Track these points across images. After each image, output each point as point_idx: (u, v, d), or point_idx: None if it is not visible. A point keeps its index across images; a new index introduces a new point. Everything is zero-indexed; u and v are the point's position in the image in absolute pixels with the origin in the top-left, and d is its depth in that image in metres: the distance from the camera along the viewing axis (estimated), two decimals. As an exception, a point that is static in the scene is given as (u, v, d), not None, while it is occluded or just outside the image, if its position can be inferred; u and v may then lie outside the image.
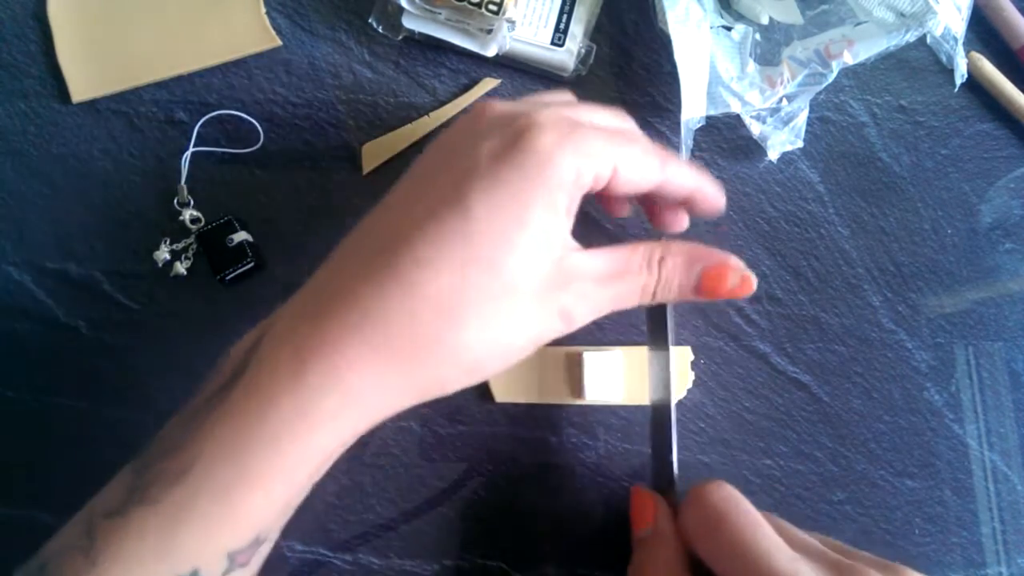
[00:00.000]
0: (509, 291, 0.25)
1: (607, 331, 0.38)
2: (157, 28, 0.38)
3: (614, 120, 0.30)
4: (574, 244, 0.27)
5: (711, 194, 0.30)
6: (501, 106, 0.28)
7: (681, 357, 0.37)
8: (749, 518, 0.27)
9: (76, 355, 0.37)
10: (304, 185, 0.38)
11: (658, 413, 0.33)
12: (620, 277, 0.27)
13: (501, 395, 0.37)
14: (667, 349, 0.33)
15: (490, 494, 0.37)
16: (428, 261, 0.24)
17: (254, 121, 0.38)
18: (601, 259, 0.27)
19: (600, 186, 0.27)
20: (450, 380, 0.26)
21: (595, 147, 0.26)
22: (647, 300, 0.29)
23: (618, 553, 0.36)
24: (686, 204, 0.31)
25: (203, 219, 0.37)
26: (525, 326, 0.26)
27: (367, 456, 0.36)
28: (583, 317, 0.27)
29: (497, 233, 0.24)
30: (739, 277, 0.29)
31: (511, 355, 0.26)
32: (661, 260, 0.28)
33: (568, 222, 0.26)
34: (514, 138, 0.25)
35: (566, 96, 0.32)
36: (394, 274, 0.24)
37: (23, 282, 0.37)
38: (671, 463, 0.32)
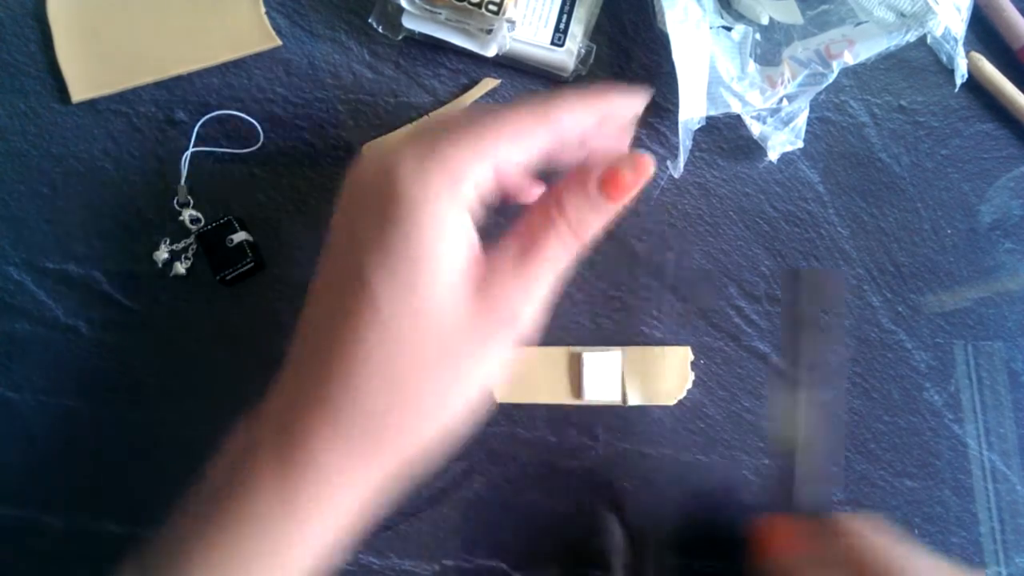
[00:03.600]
0: (444, 348, 0.24)
1: (607, 331, 0.38)
2: (157, 28, 0.38)
3: (473, 113, 0.27)
4: (479, 253, 0.25)
5: (623, 105, 0.27)
6: (363, 166, 0.26)
7: (681, 357, 0.37)
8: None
9: (76, 355, 0.37)
10: (304, 185, 0.38)
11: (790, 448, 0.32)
12: (535, 252, 0.25)
13: (501, 395, 0.37)
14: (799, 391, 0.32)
15: (490, 494, 0.37)
16: (360, 362, 0.24)
17: (254, 121, 0.38)
18: (508, 248, 0.25)
19: (494, 185, 0.25)
20: (431, 446, 0.26)
21: (456, 152, 0.24)
22: (576, 251, 0.26)
23: (619, 553, 0.36)
24: (601, 134, 0.27)
25: (203, 219, 0.37)
26: (478, 366, 0.25)
27: (367, 456, 0.36)
28: (529, 315, 0.25)
29: (408, 304, 0.23)
30: (632, 166, 0.26)
31: (479, 393, 0.26)
32: (558, 204, 0.26)
33: (468, 238, 0.25)
34: (378, 196, 0.24)
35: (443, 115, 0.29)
36: (341, 382, 0.24)
37: (23, 282, 0.37)
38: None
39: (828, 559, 0.30)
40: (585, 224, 0.26)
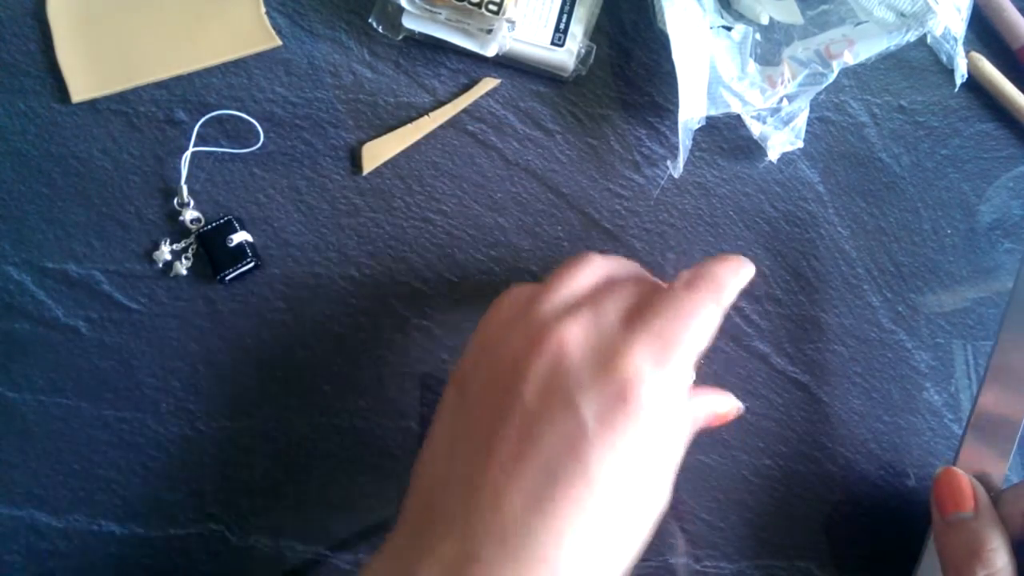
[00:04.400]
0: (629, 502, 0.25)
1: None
2: (157, 28, 0.38)
3: (651, 285, 0.30)
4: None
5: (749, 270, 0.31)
6: (584, 326, 0.27)
7: None
8: None
9: (76, 355, 0.37)
10: (304, 185, 0.38)
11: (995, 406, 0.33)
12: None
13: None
14: None
15: (490, 494, 0.37)
16: (574, 546, 0.24)
17: (254, 121, 0.38)
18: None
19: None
20: None
21: (687, 359, 0.26)
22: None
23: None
24: None
25: (203, 219, 0.37)
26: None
27: (367, 456, 0.36)
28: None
29: (629, 497, 0.25)
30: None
31: None
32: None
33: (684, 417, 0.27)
34: (616, 399, 0.25)
35: (608, 266, 0.30)
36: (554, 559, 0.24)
37: (23, 282, 0.37)
38: (1009, 454, 0.32)
39: (987, 517, 0.31)
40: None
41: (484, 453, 0.25)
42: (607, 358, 0.25)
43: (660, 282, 0.31)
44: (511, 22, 0.36)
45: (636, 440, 0.25)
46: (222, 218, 0.37)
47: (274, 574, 0.35)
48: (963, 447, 0.33)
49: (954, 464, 0.33)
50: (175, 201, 0.37)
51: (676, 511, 0.37)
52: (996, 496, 0.32)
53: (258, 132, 0.38)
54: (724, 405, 0.31)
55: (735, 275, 0.29)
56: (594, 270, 0.30)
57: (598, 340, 0.26)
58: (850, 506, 0.37)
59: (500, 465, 0.25)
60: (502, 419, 0.26)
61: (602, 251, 0.33)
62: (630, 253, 0.38)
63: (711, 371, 0.38)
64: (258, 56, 0.38)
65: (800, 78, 0.36)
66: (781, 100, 0.36)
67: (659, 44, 0.39)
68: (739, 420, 0.37)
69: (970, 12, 0.35)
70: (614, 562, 0.25)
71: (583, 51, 0.38)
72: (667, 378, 0.25)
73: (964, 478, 0.32)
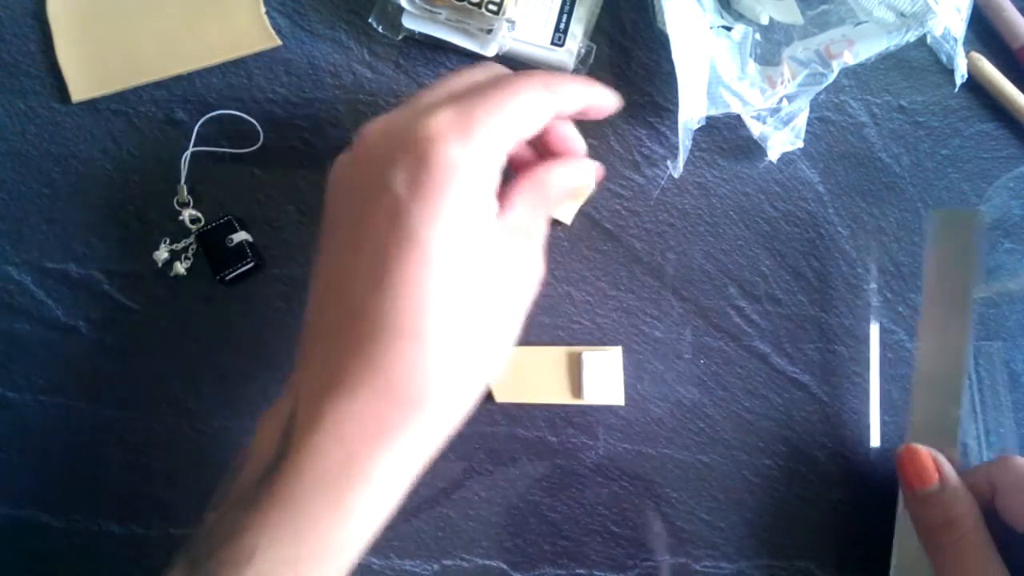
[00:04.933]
0: (490, 281, 0.26)
1: (607, 331, 0.38)
2: (157, 28, 0.38)
3: (491, 76, 0.30)
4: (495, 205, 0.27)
5: (602, 98, 0.31)
6: (382, 125, 0.28)
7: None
8: None
9: (76, 355, 0.37)
10: (304, 185, 0.38)
11: (932, 371, 0.34)
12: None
13: (501, 395, 0.37)
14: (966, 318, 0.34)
15: (490, 494, 0.37)
16: (419, 308, 0.25)
17: (254, 121, 0.38)
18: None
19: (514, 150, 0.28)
20: (471, 386, 0.27)
21: (495, 128, 0.26)
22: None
23: (618, 553, 0.36)
24: (581, 115, 0.31)
25: (203, 219, 0.37)
26: (519, 287, 0.28)
27: (367, 456, 0.36)
28: (538, 229, 0.29)
29: (456, 249, 0.25)
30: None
31: (521, 317, 0.28)
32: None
33: (494, 192, 0.27)
34: (419, 162, 0.25)
35: (444, 84, 0.30)
36: (379, 343, 0.25)
37: (23, 282, 0.37)
38: (956, 421, 0.33)
39: (954, 487, 0.32)
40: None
41: (340, 265, 0.27)
42: (408, 129, 0.26)
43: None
44: (511, 22, 0.36)
45: (455, 200, 0.25)
46: (222, 218, 0.37)
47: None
48: (911, 428, 0.35)
49: (907, 440, 0.34)
50: (175, 201, 0.37)
51: (663, 510, 0.37)
52: (960, 468, 0.33)
53: (258, 132, 0.38)
54: (573, 176, 0.30)
55: (583, 83, 0.30)
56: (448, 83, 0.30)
57: (407, 119, 0.26)
58: (850, 506, 0.37)
59: (343, 266, 0.26)
60: (324, 213, 0.28)
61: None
62: (630, 253, 0.38)
63: (712, 370, 0.38)
64: (258, 56, 0.38)
65: (800, 78, 0.36)
66: (781, 100, 0.36)
67: (659, 44, 0.39)
68: (739, 420, 0.37)
69: (970, 12, 0.35)
70: (488, 325, 0.26)
71: (583, 51, 0.38)
72: (471, 145, 0.25)
73: (925, 452, 0.33)
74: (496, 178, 0.27)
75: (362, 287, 0.25)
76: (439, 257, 0.25)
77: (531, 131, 0.27)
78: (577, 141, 0.32)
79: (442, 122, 0.25)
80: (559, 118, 0.30)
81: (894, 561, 0.35)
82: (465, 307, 0.25)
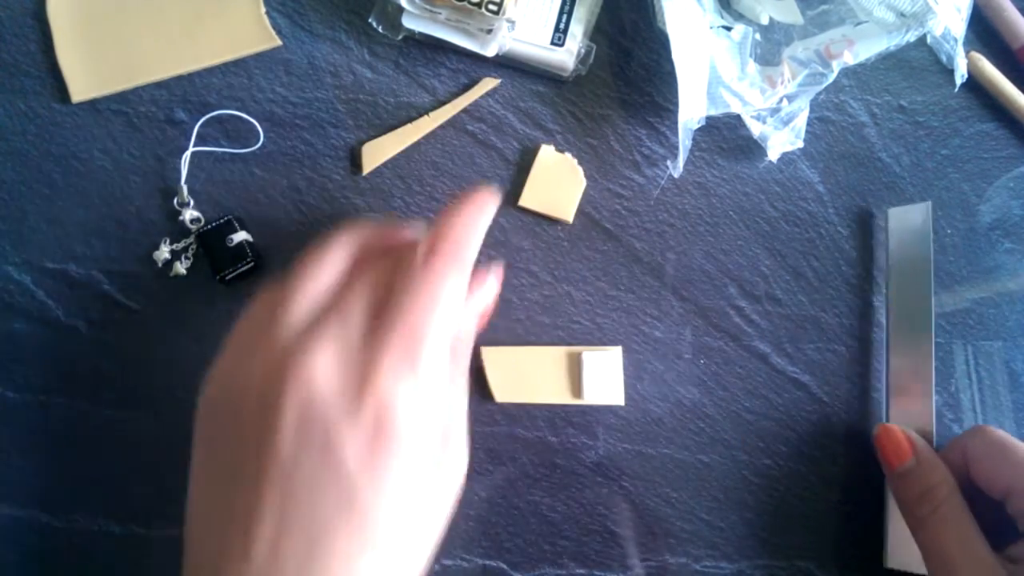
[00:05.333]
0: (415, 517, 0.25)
1: (607, 331, 0.38)
2: (157, 28, 0.38)
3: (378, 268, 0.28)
4: None
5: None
6: (322, 373, 0.24)
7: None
8: None
9: (76, 355, 0.37)
10: (304, 185, 0.38)
11: (904, 359, 0.36)
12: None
13: (501, 395, 0.37)
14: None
15: (490, 494, 0.37)
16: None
17: (254, 121, 0.38)
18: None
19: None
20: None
21: (439, 349, 0.25)
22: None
23: (618, 553, 0.36)
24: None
25: (203, 219, 0.37)
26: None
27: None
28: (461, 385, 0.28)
29: (412, 525, 0.25)
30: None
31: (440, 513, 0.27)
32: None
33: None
34: (377, 428, 0.24)
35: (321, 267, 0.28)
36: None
37: (23, 282, 0.37)
38: (931, 403, 0.35)
39: (928, 460, 0.33)
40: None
41: (244, 524, 0.23)
42: (358, 383, 0.24)
43: (407, 239, 0.30)
44: (511, 22, 0.36)
45: (406, 467, 0.24)
46: (222, 218, 0.37)
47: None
48: (891, 407, 0.36)
49: (886, 419, 0.36)
50: (175, 201, 0.37)
51: (616, 502, 0.37)
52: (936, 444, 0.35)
53: (258, 132, 0.38)
54: (484, 297, 0.30)
55: (475, 227, 0.28)
56: (335, 259, 0.28)
57: (347, 361, 0.24)
58: (850, 506, 0.37)
59: (264, 539, 0.23)
60: (259, 478, 0.24)
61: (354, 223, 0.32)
62: (630, 253, 0.38)
63: (712, 370, 0.38)
64: (258, 56, 0.38)
65: (800, 78, 0.36)
66: (781, 100, 0.36)
67: (659, 44, 0.39)
68: (739, 420, 0.37)
69: (970, 12, 0.35)
70: None
71: (583, 51, 0.38)
72: (422, 380, 0.25)
73: (898, 431, 0.34)
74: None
75: (292, 565, 0.23)
76: (383, 525, 0.24)
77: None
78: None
79: (393, 378, 0.24)
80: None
81: (888, 542, 0.35)
82: (403, 532, 0.25)
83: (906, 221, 0.37)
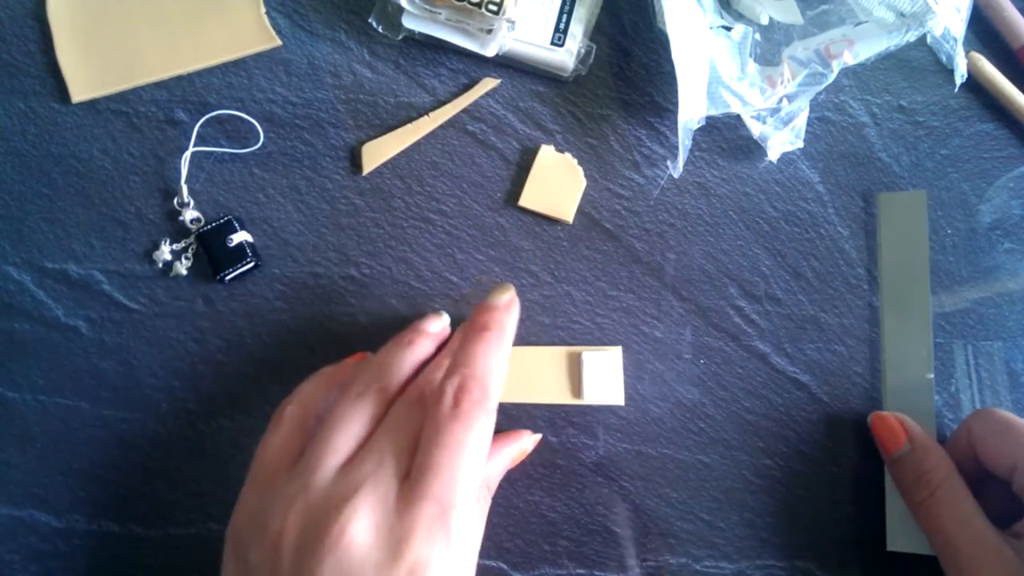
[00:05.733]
0: None
1: (607, 331, 0.38)
2: (157, 28, 0.38)
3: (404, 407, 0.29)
4: None
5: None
6: (359, 532, 0.25)
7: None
8: None
9: (76, 355, 0.37)
10: (304, 185, 0.38)
11: (900, 348, 0.37)
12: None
13: (501, 395, 0.37)
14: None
15: (490, 494, 0.37)
16: None
17: (254, 121, 0.38)
18: None
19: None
20: None
21: (472, 509, 0.27)
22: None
23: (618, 553, 0.36)
24: None
25: (203, 219, 0.37)
26: None
27: (367, 456, 0.36)
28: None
29: None
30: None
31: None
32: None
33: None
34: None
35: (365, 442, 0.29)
36: None
37: (23, 282, 0.37)
38: (930, 391, 0.36)
39: (923, 444, 0.34)
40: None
41: None
42: (394, 548, 0.25)
43: (430, 382, 0.30)
44: (511, 22, 0.36)
45: None
46: (222, 218, 0.37)
47: (274, 574, 0.35)
48: (885, 403, 0.37)
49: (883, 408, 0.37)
50: (175, 201, 0.37)
51: (616, 502, 0.37)
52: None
53: (258, 132, 0.38)
54: (516, 451, 0.34)
55: (496, 354, 0.29)
56: (366, 402, 0.29)
57: (383, 524, 0.25)
58: (850, 506, 0.37)
59: None
60: None
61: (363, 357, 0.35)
62: (630, 253, 0.38)
63: (712, 370, 0.38)
64: (258, 56, 0.38)
65: (800, 78, 0.36)
66: (781, 100, 0.36)
67: (659, 44, 0.39)
68: (739, 420, 0.37)
69: (970, 12, 0.35)
70: None
71: (583, 51, 0.38)
72: (454, 540, 0.25)
73: (891, 418, 0.35)
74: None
75: None
76: None
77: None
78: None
79: (427, 539, 0.25)
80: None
81: (888, 525, 0.36)
82: None
83: (898, 209, 0.38)
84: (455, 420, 0.26)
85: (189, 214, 0.37)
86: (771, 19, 0.38)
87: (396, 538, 0.25)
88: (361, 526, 0.25)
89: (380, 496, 0.26)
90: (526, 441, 0.35)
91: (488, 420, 0.27)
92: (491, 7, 0.35)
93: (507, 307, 0.30)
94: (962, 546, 0.31)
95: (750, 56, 0.37)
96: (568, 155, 0.38)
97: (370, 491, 0.26)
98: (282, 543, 0.26)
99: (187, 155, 0.37)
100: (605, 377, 0.36)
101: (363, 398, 0.29)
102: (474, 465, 0.26)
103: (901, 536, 0.35)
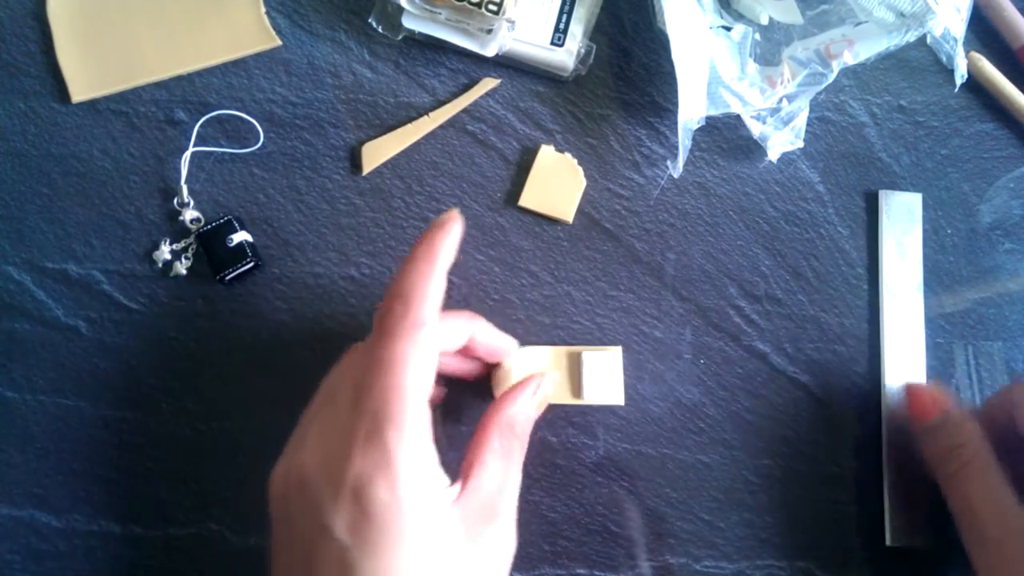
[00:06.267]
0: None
1: (607, 331, 0.38)
2: (157, 28, 0.38)
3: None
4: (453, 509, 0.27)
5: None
6: (310, 456, 0.26)
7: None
8: None
9: (76, 355, 0.37)
10: (304, 185, 0.38)
11: (897, 340, 0.37)
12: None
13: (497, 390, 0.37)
14: None
15: (490, 494, 0.37)
16: None
17: (254, 121, 0.38)
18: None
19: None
20: None
21: (414, 446, 0.25)
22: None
23: (618, 553, 0.36)
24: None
25: (203, 219, 0.37)
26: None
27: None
28: (511, 491, 0.28)
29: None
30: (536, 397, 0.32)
31: None
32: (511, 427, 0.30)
33: (449, 508, 0.26)
34: (358, 512, 0.24)
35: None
36: None
37: (23, 282, 0.37)
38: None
39: (957, 415, 0.33)
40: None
41: None
42: (336, 471, 0.25)
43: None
44: (511, 22, 0.36)
45: (406, 546, 0.24)
46: (222, 218, 0.37)
47: (274, 574, 0.35)
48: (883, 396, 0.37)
49: (881, 403, 0.37)
50: (175, 201, 0.37)
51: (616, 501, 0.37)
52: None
53: (258, 132, 0.38)
54: (533, 390, 0.31)
55: (420, 267, 0.27)
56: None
57: (328, 448, 0.25)
58: (850, 506, 0.37)
59: None
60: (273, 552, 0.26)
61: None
62: (630, 253, 0.38)
63: (712, 370, 0.38)
64: (258, 56, 0.38)
65: (800, 78, 0.36)
66: (781, 100, 0.36)
67: (659, 44, 0.39)
68: (739, 420, 0.37)
69: (970, 12, 0.35)
70: None
71: (583, 51, 0.38)
72: (395, 458, 0.24)
73: (924, 389, 0.35)
74: (442, 480, 0.26)
75: None
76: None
77: (431, 394, 0.26)
78: (505, 341, 0.33)
79: (361, 458, 0.24)
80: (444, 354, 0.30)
81: (887, 520, 0.36)
82: None
83: (897, 209, 0.38)
84: (379, 339, 0.26)
85: (189, 214, 0.37)
86: (771, 19, 0.38)
87: (337, 463, 0.25)
88: (310, 453, 0.26)
89: (331, 422, 0.26)
90: (543, 380, 0.32)
91: (418, 331, 0.25)
92: (491, 7, 0.35)
93: (439, 224, 0.28)
94: (988, 521, 0.30)
95: (750, 56, 0.37)
96: (568, 155, 0.38)
97: (324, 419, 0.27)
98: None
99: (187, 155, 0.37)
100: (605, 377, 0.36)
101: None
102: (409, 378, 0.25)
103: (901, 531, 0.35)
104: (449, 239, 0.27)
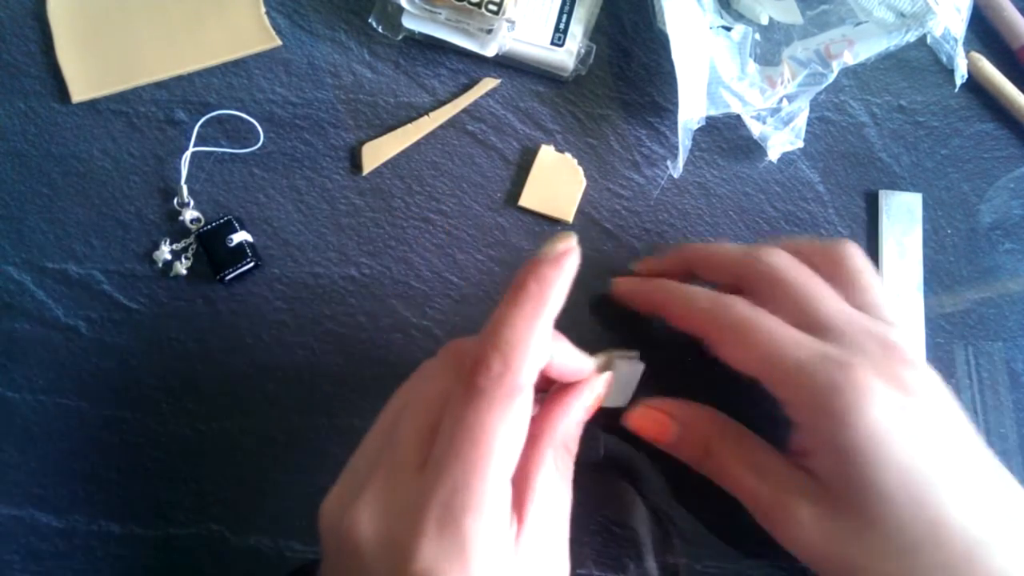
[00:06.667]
0: None
1: (607, 331, 0.38)
2: (157, 28, 0.38)
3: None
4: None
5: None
6: (365, 526, 0.22)
7: (635, 368, 0.36)
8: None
9: (76, 355, 0.37)
10: (304, 185, 0.38)
11: None
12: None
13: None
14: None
15: (490, 494, 0.37)
16: None
17: (254, 121, 0.38)
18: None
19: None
20: None
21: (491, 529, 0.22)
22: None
23: (618, 553, 0.36)
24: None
25: (203, 219, 0.37)
26: None
27: (367, 456, 0.36)
28: (563, 508, 0.26)
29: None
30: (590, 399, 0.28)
31: None
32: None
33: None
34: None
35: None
36: None
37: (23, 282, 0.37)
38: None
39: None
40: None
41: None
42: (401, 552, 0.21)
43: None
44: (511, 22, 0.36)
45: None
46: (222, 218, 0.37)
47: (275, 574, 0.35)
48: None
49: None
50: (175, 201, 0.37)
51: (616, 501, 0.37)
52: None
53: (258, 132, 0.38)
54: (589, 400, 0.27)
55: (527, 318, 0.24)
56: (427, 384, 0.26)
57: (391, 517, 0.22)
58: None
59: None
60: None
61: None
62: (630, 253, 0.38)
63: (711, 371, 0.37)
64: (258, 56, 0.38)
65: (800, 78, 0.36)
66: (781, 100, 0.36)
67: (659, 44, 0.39)
68: (739, 420, 0.37)
69: (970, 12, 0.35)
70: None
71: (583, 51, 0.38)
72: (473, 548, 0.21)
73: (651, 410, 0.33)
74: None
75: None
76: None
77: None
78: (585, 363, 0.28)
79: (429, 547, 0.21)
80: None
81: None
82: None
83: (897, 207, 0.38)
84: (469, 403, 0.22)
85: (189, 214, 0.37)
86: (771, 19, 0.38)
87: (402, 546, 0.21)
88: (368, 522, 0.22)
89: (394, 485, 0.22)
90: (597, 384, 0.28)
91: (514, 400, 0.22)
92: (491, 7, 0.35)
93: (554, 261, 0.24)
94: (760, 488, 0.28)
95: (750, 56, 0.37)
96: (568, 155, 0.38)
97: (384, 479, 0.22)
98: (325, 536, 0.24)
99: (187, 155, 0.37)
100: (623, 384, 0.36)
101: (427, 373, 0.26)
102: (496, 456, 0.21)
103: None
104: (564, 277, 0.24)
